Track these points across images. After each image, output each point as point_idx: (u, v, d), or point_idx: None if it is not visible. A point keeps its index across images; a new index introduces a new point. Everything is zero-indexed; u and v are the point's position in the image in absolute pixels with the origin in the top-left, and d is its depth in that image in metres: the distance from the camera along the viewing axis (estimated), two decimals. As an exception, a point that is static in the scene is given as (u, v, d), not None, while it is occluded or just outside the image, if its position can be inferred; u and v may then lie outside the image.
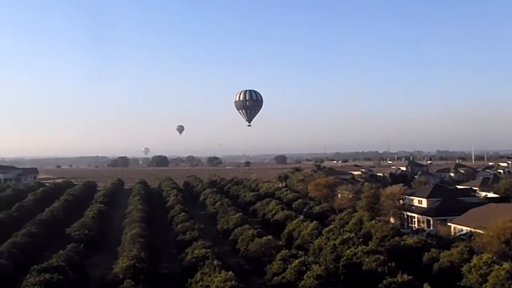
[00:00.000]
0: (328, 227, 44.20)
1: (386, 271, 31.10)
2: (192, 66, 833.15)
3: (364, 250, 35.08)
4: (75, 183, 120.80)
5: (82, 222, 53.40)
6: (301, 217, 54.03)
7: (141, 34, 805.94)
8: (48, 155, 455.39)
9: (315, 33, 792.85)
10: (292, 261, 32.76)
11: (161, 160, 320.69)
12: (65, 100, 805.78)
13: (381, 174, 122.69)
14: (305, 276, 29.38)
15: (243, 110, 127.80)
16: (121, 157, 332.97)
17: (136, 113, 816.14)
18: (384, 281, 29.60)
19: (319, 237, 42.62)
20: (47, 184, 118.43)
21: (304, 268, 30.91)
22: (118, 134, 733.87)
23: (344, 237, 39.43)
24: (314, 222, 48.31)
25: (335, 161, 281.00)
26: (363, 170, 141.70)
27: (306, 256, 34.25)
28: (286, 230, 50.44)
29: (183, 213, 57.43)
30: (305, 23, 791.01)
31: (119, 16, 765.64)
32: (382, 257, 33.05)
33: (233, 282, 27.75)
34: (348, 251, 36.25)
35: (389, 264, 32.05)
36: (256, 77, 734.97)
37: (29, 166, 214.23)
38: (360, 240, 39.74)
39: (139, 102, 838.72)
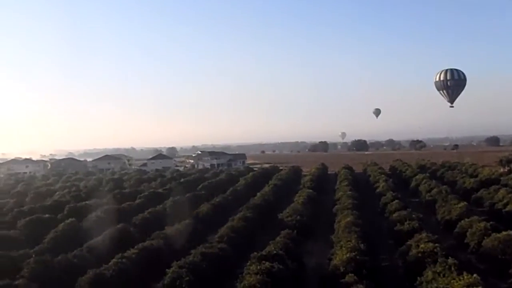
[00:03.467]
0: None
1: None
2: (388, 45, 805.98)
3: None
4: (281, 168, 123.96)
5: (293, 207, 52.67)
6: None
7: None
8: (252, 142, 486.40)
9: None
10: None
11: (360, 144, 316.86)
12: (262, 88, 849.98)
13: None
14: None
15: (444, 91, 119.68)
16: (321, 142, 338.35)
17: (332, 98, 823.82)
18: None
19: None
20: (255, 169, 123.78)
21: None
22: (315, 119, 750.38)
23: None
24: None
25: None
26: None
27: None
28: (526, 224, 42.45)
29: (396, 201, 52.99)
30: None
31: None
32: None
33: (480, 288, 22.91)
34: None
35: None
36: (457, 56, 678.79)
37: (237, 152, 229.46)
38: None
39: (334, 86, 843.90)
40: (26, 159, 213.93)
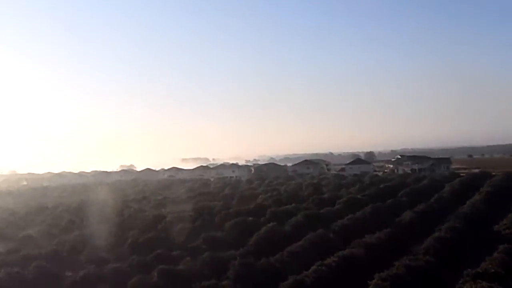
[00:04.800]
0: None
1: None
2: None
3: None
4: (493, 173, 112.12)
5: (511, 218, 46.42)
6: None
7: None
8: (457, 145, 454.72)
9: None
10: None
11: None
12: (468, 85, 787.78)
13: None
14: None
15: None
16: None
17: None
18: None
19: None
20: (462, 174, 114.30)
21: None
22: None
23: None
24: None
25: None
26: None
27: None
28: None
29: None
30: None
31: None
32: None
33: None
34: None
35: None
36: None
37: (440, 156, 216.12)
38: None
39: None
40: (232, 164, 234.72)
